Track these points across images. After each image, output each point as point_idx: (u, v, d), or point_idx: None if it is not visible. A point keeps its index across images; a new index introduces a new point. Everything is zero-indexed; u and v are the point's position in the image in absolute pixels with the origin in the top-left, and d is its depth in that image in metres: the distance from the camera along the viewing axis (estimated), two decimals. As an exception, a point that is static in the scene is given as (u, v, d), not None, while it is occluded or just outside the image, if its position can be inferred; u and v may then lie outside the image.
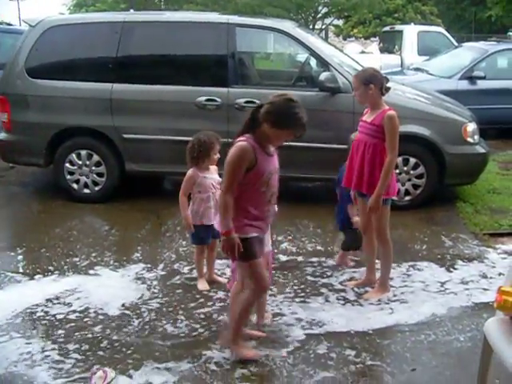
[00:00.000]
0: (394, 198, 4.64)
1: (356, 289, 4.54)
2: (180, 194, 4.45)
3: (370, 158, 4.18)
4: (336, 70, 6.28)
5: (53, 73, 6.56)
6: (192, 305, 4.27)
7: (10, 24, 13.27)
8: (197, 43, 6.54)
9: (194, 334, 3.88)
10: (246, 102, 6.26)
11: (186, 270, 4.88)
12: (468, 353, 3.66)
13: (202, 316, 4.11)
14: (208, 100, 6.30)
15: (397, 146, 4.12)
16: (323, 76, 6.17)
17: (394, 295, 4.44)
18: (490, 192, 7.03)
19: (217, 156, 4.47)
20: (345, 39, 32.26)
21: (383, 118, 4.12)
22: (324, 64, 6.39)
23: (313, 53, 6.51)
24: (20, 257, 5.18)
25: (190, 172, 4.47)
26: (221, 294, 4.41)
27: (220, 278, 4.65)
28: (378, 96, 4.21)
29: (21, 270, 4.89)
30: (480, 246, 5.50)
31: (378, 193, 4.13)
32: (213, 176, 4.52)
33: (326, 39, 19.96)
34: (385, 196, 4.19)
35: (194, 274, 4.72)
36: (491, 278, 4.80)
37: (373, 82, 4.17)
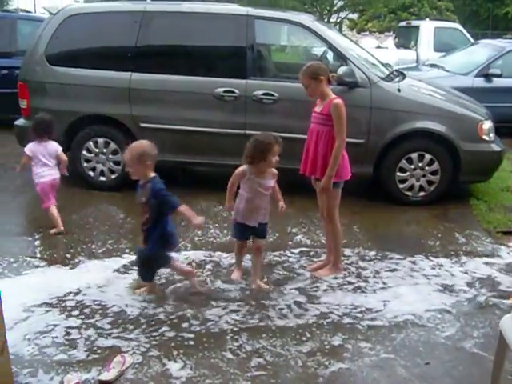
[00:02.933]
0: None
1: (371, 280, 4.58)
2: (229, 181, 4.38)
3: (323, 145, 4.40)
4: (354, 64, 6.29)
5: (72, 61, 6.62)
6: (203, 294, 4.33)
7: (28, 11, 13.33)
8: (216, 34, 6.58)
9: (210, 322, 3.93)
10: (264, 94, 6.30)
11: (202, 259, 4.93)
12: (481, 349, 3.69)
13: (217, 305, 4.16)
14: (226, 91, 6.33)
15: (344, 132, 4.35)
16: (341, 70, 6.17)
17: (407, 290, 4.48)
18: (504, 190, 7.03)
19: (275, 159, 4.22)
20: (359, 33, 32.12)
21: (331, 107, 4.31)
22: (342, 58, 6.41)
23: (331, 46, 6.53)
24: (37, 242, 5.24)
25: (242, 167, 4.33)
26: (241, 287, 4.46)
27: (263, 285, 4.47)
28: (327, 86, 4.40)
29: (38, 256, 4.95)
30: (493, 243, 5.52)
31: (328, 174, 4.37)
32: (263, 181, 4.30)
33: (340, 33, 19.89)
34: (336, 179, 4.43)
35: (208, 261, 4.80)
36: (504, 275, 4.82)
37: (321, 74, 4.34)
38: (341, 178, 4.48)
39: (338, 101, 4.35)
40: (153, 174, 4.10)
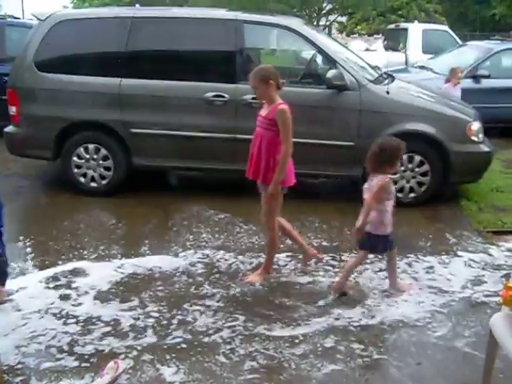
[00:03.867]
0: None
1: (363, 281, 4.60)
2: (370, 199, 4.17)
3: (265, 150, 4.38)
4: (343, 67, 6.32)
5: (62, 67, 6.61)
6: (198, 298, 4.34)
7: (16, 18, 13.29)
8: (205, 39, 6.58)
9: (203, 326, 3.94)
10: (253, 98, 6.30)
11: (193, 262, 4.94)
12: (472, 348, 3.71)
13: (211, 309, 4.17)
14: (215, 96, 6.35)
15: (290, 137, 4.33)
16: (330, 73, 6.20)
17: (399, 290, 4.50)
18: (494, 190, 7.08)
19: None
20: (348, 36, 32.24)
21: (275, 112, 4.29)
22: (331, 61, 6.43)
23: (320, 50, 6.56)
24: (28, 249, 5.22)
25: (384, 177, 4.23)
26: (232, 291, 4.47)
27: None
28: (275, 91, 4.38)
29: (29, 262, 4.94)
30: (484, 243, 5.55)
31: (275, 180, 4.36)
32: None
33: (329, 36, 19.95)
34: (280, 185, 4.41)
35: (200, 266, 4.80)
36: (494, 275, 4.85)
37: (271, 78, 4.32)
38: (284, 184, 4.45)
39: (284, 106, 4.32)
40: None
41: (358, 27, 32.18)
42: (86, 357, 3.56)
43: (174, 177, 7.67)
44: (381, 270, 4.81)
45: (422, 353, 3.68)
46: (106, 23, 6.73)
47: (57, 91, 6.58)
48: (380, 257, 5.07)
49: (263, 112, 4.48)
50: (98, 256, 5.07)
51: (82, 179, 6.70)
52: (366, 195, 4.23)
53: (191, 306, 4.21)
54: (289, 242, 5.18)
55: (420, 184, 6.45)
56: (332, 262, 4.99)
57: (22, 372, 3.41)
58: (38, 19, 6.80)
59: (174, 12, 6.85)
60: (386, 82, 6.68)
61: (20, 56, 6.73)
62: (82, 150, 6.61)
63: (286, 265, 4.93)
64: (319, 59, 7.10)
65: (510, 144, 9.55)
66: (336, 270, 4.84)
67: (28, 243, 5.33)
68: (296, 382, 3.38)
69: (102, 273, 4.72)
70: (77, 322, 3.95)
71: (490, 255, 5.27)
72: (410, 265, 5.01)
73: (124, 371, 3.41)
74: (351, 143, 6.33)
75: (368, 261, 4.96)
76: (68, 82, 6.56)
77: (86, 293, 4.37)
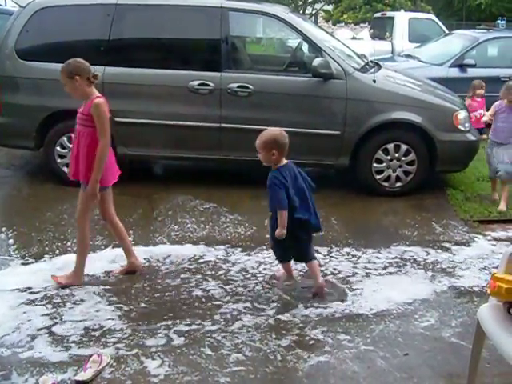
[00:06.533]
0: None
1: (349, 271, 4.58)
2: None
3: (83, 147, 4.19)
4: (329, 55, 6.27)
5: (44, 55, 6.48)
6: (181, 289, 4.29)
7: (-2, 4, 13.07)
8: (190, 27, 6.51)
9: (188, 318, 3.89)
10: (239, 87, 6.25)
11: (178, 253, 4.89)
12: (459, 338, 3.71)
13: (196, 300, 4.13)
14: (201, 84, 6.27)
15: (107, 132, 4.15)
16: (316, 62, 6.16)
17: (386, 281, 4.48)
18: (480, 179, 7.08)
19: None
20: (334, 25, 32.12)
21: (91, 107, 4.14)
22: (317, 50, 6.38)
23: (306, 38, 6.50)
24: (11, 240, 5.14)
25: None
26: (217, 282, 4.42)
27: None
28: (86, 86, 4.20)
29: (12, 254, 4.86)
30: (470, 232, 5.56)
31: (93, 178, 4.16)
32: None
33: (316, 24, 19.89)
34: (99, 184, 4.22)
35: (181, 258, 4.78)
36: (481, 264, 4.86)
37: (78, 74, 4.15)
38: (103, 183, 4.25)
39: (99, 100, 4.15)
40: None
41: (345, 16, 32.00)
42: (69, 350, 3.51)
43: (158, 166, 7.59)
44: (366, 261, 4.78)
45: (410, 343, 3.66)
46: (89, 10, 6.60)
47: (39, 80, 6.46)
48: (357, 247, 5.08)
49: (81, 108, 4.27)
50: (81, 247, 5.00)
51: (66, 169, 6.58)
52: None
53: (175, 297, 4.17)
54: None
55: (406, 173, 6.43)
56: (316, 252, 4.96)
57: (2, 367, 3.34)
58: (20, 6, 6.66)
59: (158, -1, 6.73)
60: (373, 70, 6.63)
61: (0, 44, 6.59)
62: (65, 139, 6.51)
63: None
64: (305, 47, 7.04)
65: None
66: (323, 259, 4.80)
67: (10, 234, 5.24)
68: (282, 374, 3.35)
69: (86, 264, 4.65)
70: (59, 315, 3.89)
71: (476, 244, 5.27)
72: (396, 254, 4.98)
73: (107, 364, 3.36)
74: (337, 132, 6.29)
75: (347, 252, 4.96)
76: (50, 70, 6.38)
77: (69, 285, 4.29)
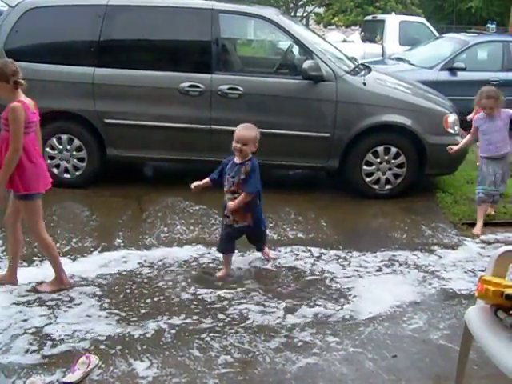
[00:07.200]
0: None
1: (338, 273, 4.58)
2: None
3: (5, 152, 4.07)
4: (319, 58, 6.28)
5: (33, 55, 6.43)
6: (170, 290, 4.29)
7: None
8: (180, 29, 6.50)
9: (176, 319, 3.89)
10: (229, 89, 6.25)
11: (167, 254, 4.88)
12: (447, 340, 3.73)
13: (185, 302, 4.13)
14: (191, 86, 6.26)
15: (18, 137, 4.00)
16: (306, 64, 6.16)
17: (375, 283, 4.49)
18: (469, 182, 7.09)
19: None
20: (325, 27, 32.19)
21: (8, 111, 4.05)
22: (307, 52, 6.38)
23: (296, 41, 6.51)
24: (-1, 242, 5.13)
25: None
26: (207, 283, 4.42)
27: None
28: (11, 90, 4.11)
29: (1, 255, 4.84)
30: (459, 235, 5.59)
31: None
32: None
33: (306, 27, 19.94)
34: (26, 191, 4.10)
35: (170, 260, 4.77)
36: (469, 267, 4.88)
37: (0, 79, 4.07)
38: (29, 189, 4.09)
39: (15, 104, 4.01)
40: None
41: (336, 18, 32.06)
42: (57, 352, 3.49)
43: (148, 168, 7.57)
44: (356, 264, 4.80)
45: (398, 345, 3.67)
46: (80, 11, 6.57)
47: (28, 80, 6.30)
48: (347, 250, 5.09)
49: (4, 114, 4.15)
50: (70, 249, 4.99)
51: (55, 170, 6.56)
52: None
53: (164, 299, 4.16)
54: (289, 235, 5.16)
55: (396, 176, 6.45)
56: (305, 254, 4.97)
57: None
58: (9, 6, 6.63)
59: (149, 0, 6.71)
60: (363, 73, 6.65)
61: (-11, 44, 6.55)
62: (54, 140, 6.48)
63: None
64: (296, 50, 7.05)
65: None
66: (312, 261, 4.81)
67: (-2, 236, 5.22)
68: (271, 376, 3.35)
69: (74, 266, 4.63)
70: (47, 316, 3.87)
71: (465, 247, 5.30)
72: (385, 257, 5.00)
73: (96, 366, 3.35)
74: (327, 134, 6.30)
75: (336, 254, 4.97)
76: (40, 71, 6.40)
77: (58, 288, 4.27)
